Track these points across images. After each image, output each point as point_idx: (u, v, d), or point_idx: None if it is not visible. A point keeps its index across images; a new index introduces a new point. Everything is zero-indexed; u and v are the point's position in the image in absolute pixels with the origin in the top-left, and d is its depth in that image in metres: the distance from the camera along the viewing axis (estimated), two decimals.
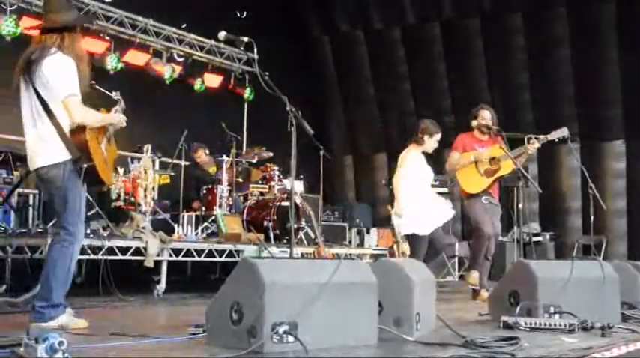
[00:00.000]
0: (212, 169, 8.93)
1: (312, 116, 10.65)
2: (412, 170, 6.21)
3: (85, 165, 3.73)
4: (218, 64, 11.03)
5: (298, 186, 8.81)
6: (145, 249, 6.36)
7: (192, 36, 10.40)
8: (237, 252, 7.24)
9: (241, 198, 8.83)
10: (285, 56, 11.33)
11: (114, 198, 7.25)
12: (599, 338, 3.68)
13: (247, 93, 11.40)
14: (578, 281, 4.31)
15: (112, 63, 9.12)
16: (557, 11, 10.83)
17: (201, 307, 3.60)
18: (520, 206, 6.20)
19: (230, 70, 11.32)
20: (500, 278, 5.27)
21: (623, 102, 10.64)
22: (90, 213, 6.51)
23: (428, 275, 4.20)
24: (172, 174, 8.31)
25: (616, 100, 10.68)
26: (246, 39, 3.89)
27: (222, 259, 7.26)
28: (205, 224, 7.99)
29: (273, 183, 8.87)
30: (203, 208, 8.33)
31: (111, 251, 6.08)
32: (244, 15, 10.72)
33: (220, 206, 8.17)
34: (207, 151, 9.08)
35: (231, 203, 8.40)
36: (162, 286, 6.48)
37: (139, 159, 7.61)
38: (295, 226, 8.00)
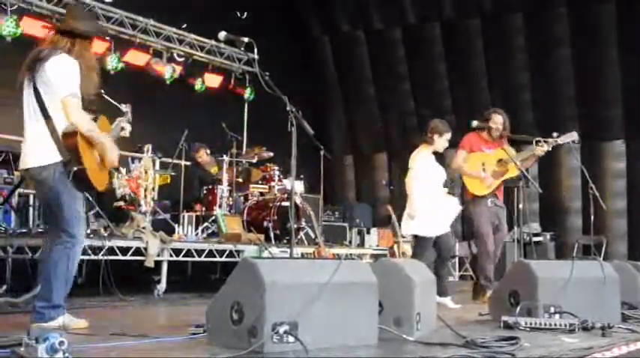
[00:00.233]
0: (214, 169, 8.93)
1: (313, 116, 10.65)
2: (422, 171, 6.18)
3: (75, 169, 3.70)
4: (218, 64, 11.03)
5: (298, 186, 8.81)
6: (146, 249, 6.37)
7: (193, 36, 10.40)
8: (238, 252, 7.24)
9: (242, 198, 8.83)
10: (285, 56, 11.34)
11: (118, 197, 7.25)
12: (600, 338, 3.68)
13: (247, 94, 11.40)
14: (579, 282, 4.31)
15: (112, 63, 9.13)
16: (557, 11, 10.82)
17: (202, 307, 3.60)
18: (520, 206, 6.19)
19: (230, 70, 11.32)
20: (500, 278, 5.27)
21: (624, 102, 10.63)
22: (90, 213, 6.51)
23: (428, 276, 4.20)
24: (173, 174, 8.31)
25: (616, 100, 10.68)
26: (246, 39, 3.89)
27: (223, 259, 7.26)
28: (206, 224, 7.99)
29: (273, 183, 8.86)
30: (203, 208, 8.33)
31: (111, 251, 6.08)
32: (245, 15, 10.71)
33: (220, 206, 8.17)
34: (209, 151, 9.08)
35: (231, 203, 8.41)
36: (162, 286, 6.48)
37: (140, 159, 7.61)
38: (295, 226, 8.01)
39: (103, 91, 4.15)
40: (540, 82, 11.16)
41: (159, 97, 9.78)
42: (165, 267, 6.56)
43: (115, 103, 4.44)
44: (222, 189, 8.29)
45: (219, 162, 8.64)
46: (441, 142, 6.23)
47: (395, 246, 7.80)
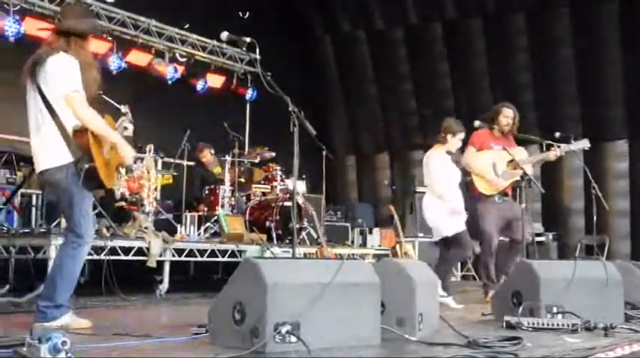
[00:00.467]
0: (217, 170, 8.93)
1: (314, 116, 10.64)
2: (436, 172, 6.18)
3: (86, 166, 3.70)
4: (220, 65, 11.04)
5: (301, 186, 8.81)
6: (148, 249, 6.37)
7: (195, 36, 10.40)
8: (240, 252, 7.24)
9: (244, 198, 8.83)
10: (287, 56, 11.35)
11: (117, 198, 7.25)
12: (602, 339, 3.68)
13: (249, 94, 11.41)
14: (581, 282, 4.30)
15: (114, 63, 9.13)
16: (559, 11, 10.81)
17: (204, 307, 3.60)
18: (523, 206, 6.18)
19: (232, 71, 11.33)
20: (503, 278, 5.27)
21: (626, 102, 10.62)
22: (93, 213, 6.50)
23: (430, 276, 4.20)
24: (175, 174, 8.31)
25: (618, 100, 10.66)
26: (248, 39, 3.89)
27: (225, 259, 7.26)
28: (208, 224, 7.99)
29: (275, 184, 8.86)
30: (205, 208, 8.33)
31: (113, 251, 6.08)
32: (247, 15, 10.71)
33: (223, 206, 8.17)
34: (213, 151, 9.08)
35: (233, 203, 8.41)
36: (164, 286, 6.48)
37: (142, 159, 7.62)
38: (298, 226, 8.00)
39: (102, 92, 4.14)
40: (542, 81, 11.15)
41: (161, 97, 9.79)
42: (167, 267, 6.56)
43: (114, 103, 4.44)
44: (225, 189, 8.29)
45: (222, 162, 8.64)
46: (455, 142, 6.20)
47: (397, 246, 7.80)
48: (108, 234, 6.22)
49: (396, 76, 12.28)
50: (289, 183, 8.75)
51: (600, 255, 9.35)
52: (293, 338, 2.97)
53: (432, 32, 11.80)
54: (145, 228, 6.65)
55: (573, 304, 4.18)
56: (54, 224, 6.44)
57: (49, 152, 3.74)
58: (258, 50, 3.98)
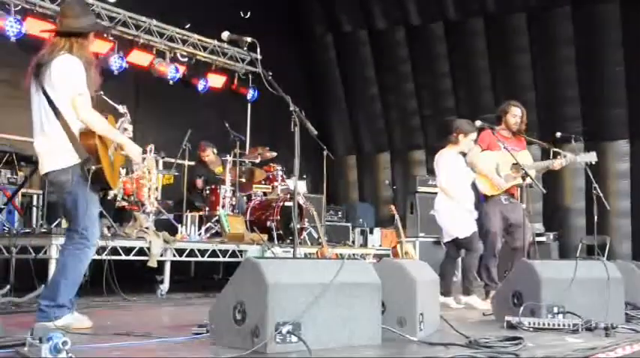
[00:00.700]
0: (218, 169, 8.92)
1: (315, 116, 10.66)
2: (447, 173, 6.17)
3: (93, 168, 3.70)
4: (221, 64, 11.04)
5: (302, 186, 8.81)
6: (149, 249, 6.37)
7: (196, 36, 10.40)
8: (241, 252, 7.24)
9: (245, 198, 8.83)
10: (288, 56, 11.34)
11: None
12: (603, 339, 3.68)
13: (250, 94, 11.41)
14: (582, 282, 4.30)
15: (115, 63, 9.14)
16: (560, 11, 10.80)
17: (205, 307, 3.61)
18: (524, 206, 6.17)
19: (233, 70, 11.33)
20: (503, 278, 5.26)
21: (627, 102, 10.60)
22: None
23: (431, 276, 4.20)
24: (176, 174, 8.31)
25: (619, 100, 10.65)
26: (249, 39, 3.89)
27: (226, 259, 7.27)
28: (209, 224, 7.99)
29: (276, 183, 8.86)
30: (206, 208, 8.33)
31: (114, 251, 6.08)
32: (248, 15, 10.72)
33: (224, 206, 8.17)
34: (216, 151, 9.08)
35: (234, 203, 8.41)
36: (165, 286, 6.49)
37: (143, 159, 7.61)
38: (299, 226, 8.00)
39: (101, 92, 4.14)
40: (543, 81, 11.14)
41: (162, 97, 9.80)
42: (168, 267, 6.57)
43: (113, 103, 4.43)
44: (226, 189, 8.29)
45: (223, 162, 8.64)
46: (467, 142, 6.15)
47: (398, 246, 7.80)
48: (109, 234, 6.22)
49: (397, 76, 12.27)
50: (290, 183, 8.75)
51: (601, 255, 9.34)
52: (294, 338, 2.97)
53: (433, 32, 11.80)
54: (146, 228, 6.66)
55: (574, 304, 4.18)
56: (55, 224, 6.45)
57: (54, 154, 3.74)
58: (259, 50, 3.99)
